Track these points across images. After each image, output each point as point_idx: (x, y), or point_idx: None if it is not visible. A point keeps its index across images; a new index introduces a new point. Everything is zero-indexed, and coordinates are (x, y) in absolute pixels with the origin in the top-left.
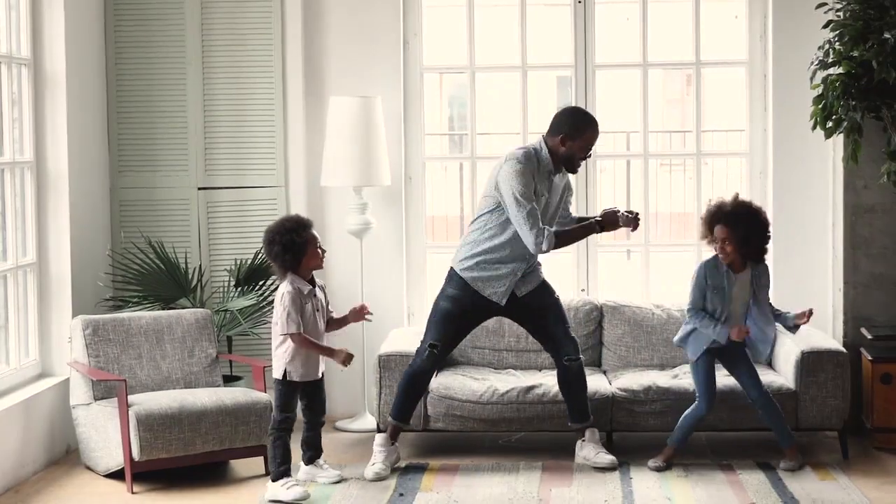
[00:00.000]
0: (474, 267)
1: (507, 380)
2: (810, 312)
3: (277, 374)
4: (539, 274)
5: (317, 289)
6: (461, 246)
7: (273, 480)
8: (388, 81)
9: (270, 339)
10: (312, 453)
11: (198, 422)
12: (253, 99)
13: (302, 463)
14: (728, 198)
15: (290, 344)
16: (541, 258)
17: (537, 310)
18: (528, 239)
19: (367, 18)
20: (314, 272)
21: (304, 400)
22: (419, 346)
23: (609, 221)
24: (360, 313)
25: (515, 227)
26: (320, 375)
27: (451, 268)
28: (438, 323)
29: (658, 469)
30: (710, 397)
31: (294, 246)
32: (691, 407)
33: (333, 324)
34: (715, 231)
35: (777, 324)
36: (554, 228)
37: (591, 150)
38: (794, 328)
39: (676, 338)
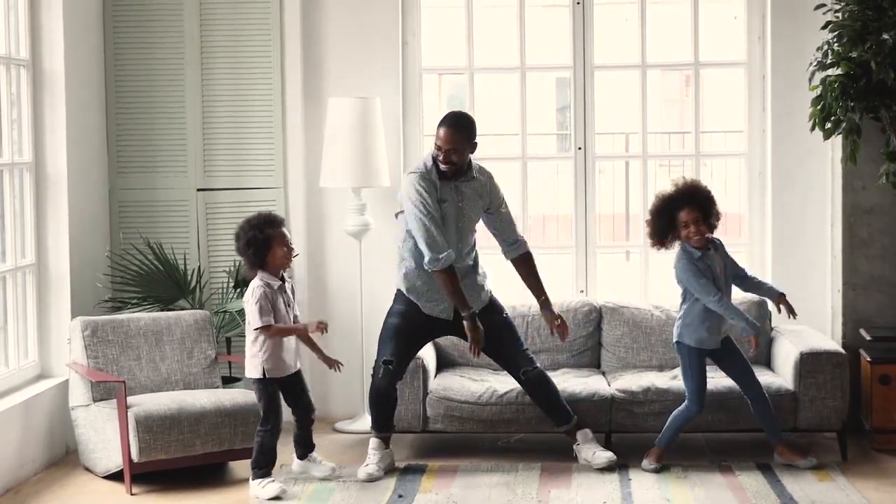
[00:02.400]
0: (411, 290)
1: (505, 381)
2: (790, 308)
3: (255, 373)
4: (485, 291)
5: (286, 284)
6: (398, 267)
7: (252, 479)
8: (386, 82)
9: None
10: (303, 450)
11: (197, 423)
12: (252, 100)
13: (295, 457)
14: (669, 186)
15: (263, 341)
16: (481, 271)
17: (487, 329)
18: (424, 252)
19: (366, 19)
20: (287, 269)
21: (288, 398)
22: (374, 364)
23: (474, 329)
24: (317, 328)
25: (417, 239)
26: (297, 368)
27: (398, 288)
28: (389, 339)
29: (654, 470)
30: (702, 396)
31: (256, 242)
32: (681, 407)
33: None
34: (681, 217)
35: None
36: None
37: (440, 146)
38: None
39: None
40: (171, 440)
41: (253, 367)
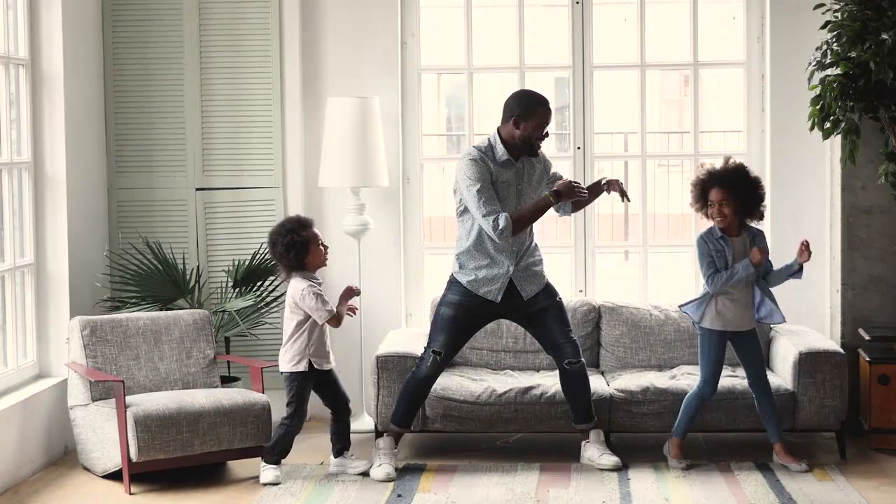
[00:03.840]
0: (469, 270)
1: (504, 381)
2: (806, 244)
3: (301, 366)
4: (542, 275)
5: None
6: (455, 251)
7: (262, 461)
8: (385, 82)
9: (269, 339)
10: (340, 446)
11: (195, 423)
12: (251, 100)
13: (332, 456)
14: (719, 162)
15: (309, 334)
16: (539, 256)
17: (538, 312)
18: (486, 227)
19: (365, 19)
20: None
21: (325, 396)
22: (423, 352)
23: (564, 190)
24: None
25: (476, 219)
26: (333, 365)
27: (451, 274)
28: (441, 330)
29: (687, 468)
30: (715, 379)
31: (295, 245)
32: (692, 390)
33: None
34: (710, 195)
35: (788, 279)
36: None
37: (546, 128)
38: (799, 270)
39: (690, 309)
40: (170, 440)
41: (294, 361)
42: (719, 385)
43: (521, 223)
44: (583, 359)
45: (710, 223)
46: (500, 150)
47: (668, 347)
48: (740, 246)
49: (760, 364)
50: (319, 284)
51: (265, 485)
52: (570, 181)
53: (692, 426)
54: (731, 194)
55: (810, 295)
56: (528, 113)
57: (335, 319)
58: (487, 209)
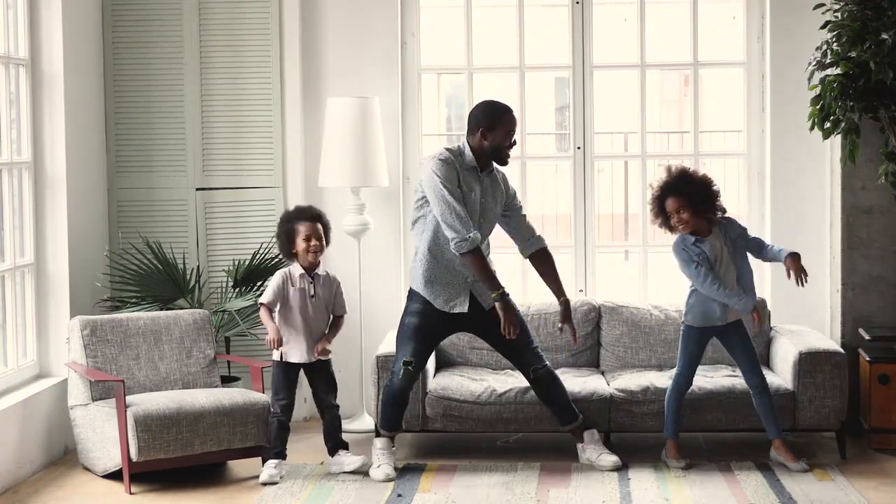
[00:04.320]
0: (428, 282)
1: (505, 380)
2: (797, 268)
3: (275, 353)
4: None
5: (319, 276)
6: (413, 263)
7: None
8: (385, 82)
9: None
10: (331, 444)
11: (196, 423)
12: (251, 99)
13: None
14: (663, 174)
15: (279, 324)
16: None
17: (497, 325)
18: (451, 227)
19: (365, 19)
20: (322, 264)
21: (312, 390)
22: (393, 364)
23: (507, 310)
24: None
25: (440, 222)
26: (313, 360)
27: (411, 288)
28: (409, 339)
29: (686, 467)
30: (690, 373)
31: (281, 235)
32: (669, 388)
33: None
34: (667, 206)
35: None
36: (482, 243)
37: (513, 137)
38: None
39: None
40: (170, 440)
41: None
42: (719, 385)
43: (474, 262)
44: (547, 362)
45: (674, 237)
46: (469, 156)
47: (668, 347)
48: (717, 243)
49: (753, 354)
50: (308, 277)
51: (264, 484)
52: (515, 324)
53: (685, 425)
54: (685, 199)
55: (810, 295)
56: (493, 123)
57: (263, 313)
58: (463, 214)
